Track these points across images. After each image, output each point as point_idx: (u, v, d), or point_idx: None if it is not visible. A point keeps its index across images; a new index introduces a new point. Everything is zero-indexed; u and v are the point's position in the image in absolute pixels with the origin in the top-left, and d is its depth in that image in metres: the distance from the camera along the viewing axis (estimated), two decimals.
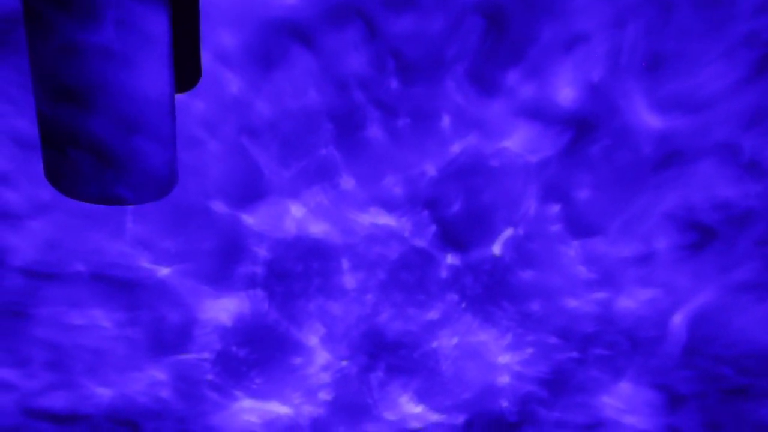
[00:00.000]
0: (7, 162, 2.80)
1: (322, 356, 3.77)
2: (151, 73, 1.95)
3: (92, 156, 1.95)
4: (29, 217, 2.87)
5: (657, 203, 3.72)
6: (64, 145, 1.97)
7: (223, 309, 3.40)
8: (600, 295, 3.94)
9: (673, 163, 3.60)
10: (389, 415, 4.01)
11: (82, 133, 1.93)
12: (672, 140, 3.53)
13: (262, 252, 3.37)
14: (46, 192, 2.86)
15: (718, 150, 3.56)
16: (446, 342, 3.92)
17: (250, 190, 3.24)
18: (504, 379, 4.08)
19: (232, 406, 3.72)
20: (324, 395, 3.86)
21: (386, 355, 3.86)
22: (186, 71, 2.26)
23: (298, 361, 3.70)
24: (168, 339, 3.41)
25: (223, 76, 3.02)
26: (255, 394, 3.72)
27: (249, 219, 3.28)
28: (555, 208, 3.67)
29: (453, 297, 3.81)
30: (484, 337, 3.95)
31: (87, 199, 2.03)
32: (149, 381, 3.47)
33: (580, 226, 3.74)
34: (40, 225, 2.91)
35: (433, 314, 3.83)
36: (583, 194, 3.66)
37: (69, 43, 1.73)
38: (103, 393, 3.47)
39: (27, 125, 2.80)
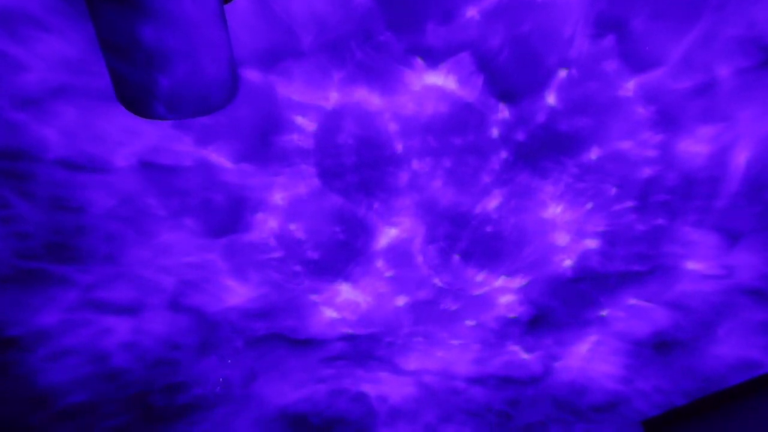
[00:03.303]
0: (14, 44, 2.57)
1: (381, 232, 3.68)
2: None
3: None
4: (53, 103, 2.69)
5: (720, 25, 3.41)
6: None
7: (275, 188, 3.28)
8: (659, 136, 3.73)
9: None
10: (453, 284, 3.98)
11: None
12: None
13: (305, 123, 3.19)
14: (66, 74, 2.65)
15: None
16: (504, 205, 3.80)
17: (282, 54, 3.00)
18: (564, 237, 3.99)
19: (296, 290, 3.71)
20: (388, 272, 3.82)
21: (445, 225, 3.76)
22: None
23: (358, 239, 3.62)
24: (224, 223, 3.33)
25: None
26: (318, 277, 3.69)
27: (286, 86, 3.07)
28: (609, 43, 3.39)
29: (507, 156, 3.63)
30: (542, 195, 3.82)
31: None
32: (211, 268, 3.44)
33: (637, 60, 3.47)
34: (67, 110, 2.73)
35: (487, 177, 3.68)
36: (638, 23, 3.36)
37: None
38: (166, 281, 3.44)
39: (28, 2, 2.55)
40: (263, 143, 3.16)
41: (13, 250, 3.09)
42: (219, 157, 3.15)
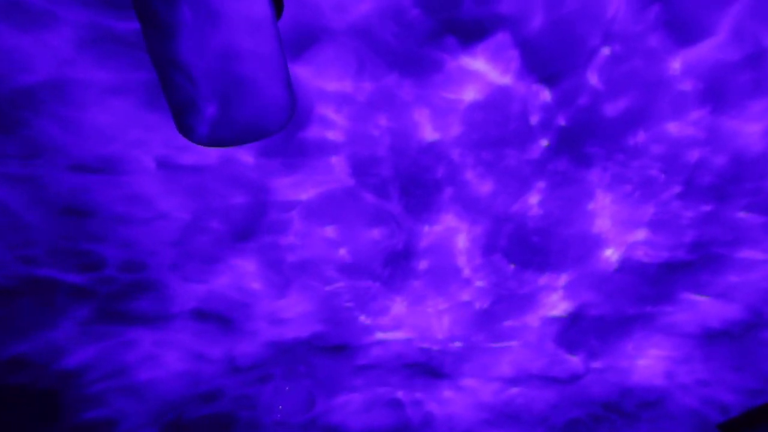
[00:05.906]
0: (18, 38, 2.38)
1: (419, 232, 3.47)
2: None
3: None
4: (60, 100, 2.49)
5: None
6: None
7: (305, 187, 3.08)
8: (708, 115, 3.50)
9: None
10: (497, 284, 3.76)
11: None
12: None
13: (334, 116, 2.98)
14: (72, 69, 2.46)
15: None
16: (547, 198, 3.57)
17: (308, 41, 2.79)
18: (610, 228, 3.76)
19: (330, 295, 3.50)
20: (427, 275, 3.61)
21: (486, 222, 3.54)
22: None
23: (395, 240, 3.41)
24: (251, 226, 3.13)
25: None
26: (354, 282, 3.48)
27: (313, 77, 2.86)
28: (654, 15, 3.16)
29: (549, 143, 3.41)
30: (587, 186, 3.59)
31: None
32: (239, 273, 3.24)
33: (683, 33, 3.24)
34: (76, 109, 2.53)
35: (528, 168, 3.45)
36: None
37: None
38: (192, 289, 3.24)
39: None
40: (291, 138, 2.95)
41: (18, 258, 2.90)
42: (244, 155, 2.95)
